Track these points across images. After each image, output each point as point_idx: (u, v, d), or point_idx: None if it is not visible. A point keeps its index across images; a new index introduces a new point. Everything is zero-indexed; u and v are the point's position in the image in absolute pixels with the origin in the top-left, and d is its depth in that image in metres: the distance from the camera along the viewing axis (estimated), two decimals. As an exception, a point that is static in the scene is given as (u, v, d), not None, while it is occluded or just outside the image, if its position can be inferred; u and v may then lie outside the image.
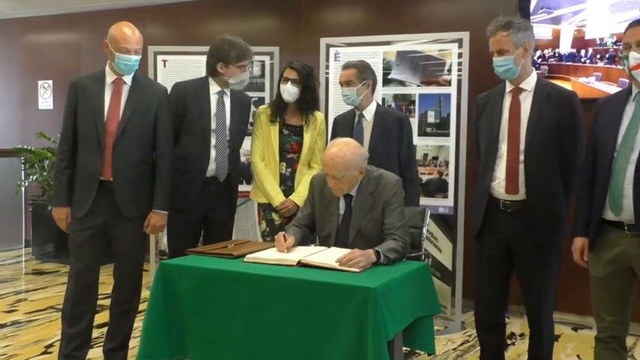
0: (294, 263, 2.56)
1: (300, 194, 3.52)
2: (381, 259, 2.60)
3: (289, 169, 3.62)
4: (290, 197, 3.58)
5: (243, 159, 3.99)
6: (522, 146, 2.74)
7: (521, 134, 2.75)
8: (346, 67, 3.51)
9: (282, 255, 2.67)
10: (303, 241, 2.97)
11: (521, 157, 2.74)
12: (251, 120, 3.75)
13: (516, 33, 2.73)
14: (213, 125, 3.44)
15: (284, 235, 2.82)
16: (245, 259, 2.65)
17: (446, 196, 4.22)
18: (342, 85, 3.50)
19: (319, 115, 3.72)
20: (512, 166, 2.75)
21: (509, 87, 2.83)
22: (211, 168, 3.43)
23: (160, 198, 3.20)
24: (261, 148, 3.64)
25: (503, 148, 2.78)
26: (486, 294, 2.89)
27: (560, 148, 2.74)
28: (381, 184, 2.87)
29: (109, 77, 3.13)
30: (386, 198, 2.84)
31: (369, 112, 3.52)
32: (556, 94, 2.76)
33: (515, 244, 2.79)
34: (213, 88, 3.48)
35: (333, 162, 2.78)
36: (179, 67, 4.74)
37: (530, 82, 2.79)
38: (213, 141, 3.43)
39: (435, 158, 4.24)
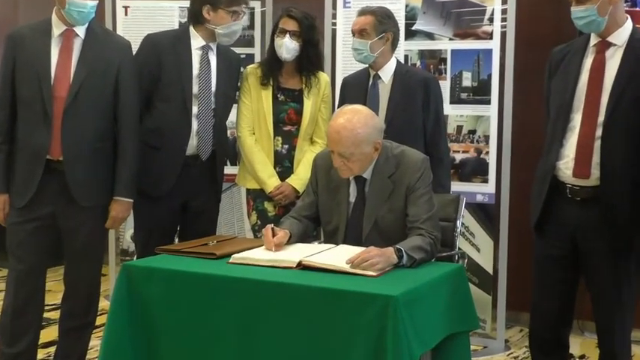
0: (294, 265, 2.57)
1: (300, 177, 3.53)
2: (404, 259, 2.61)
3: (286, 146, 3.62)
4: (287, 180, 3.58)
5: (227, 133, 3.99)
6: (601, 118, 2.66)
7: (601, 102, 2.67)
8: (362, 13, 3.49)
9: (277, 254, 2.68)
10: (304, 236, 2.99)
11: (598, 132, 2.66)
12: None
13: None
14: (195, 89, 3.44)
15: (273, 229, 2.82)
16: (231, 260, 2.67)
17: (485, 181, 4.22)
18: (354, 35, 3.49)
19: (323, 76, 3.71)
20: (585, 143, 2.68)
21: (594, 40, 2.75)
22: (192, 144, 3.44)
23: (124, 182, 3.21)
24: (249, 118, 3.63)
25: (577, 118, 2.72)
26: (545, 305, 2.86)
27: None
28: (402, 165, 2.87)
29: (57, 28, 3.12)
30: (409, 182, 2.84)
31: (387, 73, 3.51)
32: None
33: (583, 242, 2.75)
34: (196, 41, 3.48)
35: (339, 136, 2.77)
36: (145, 15, 4.72)
37: (621, 35, 2.70)
38: (195, 109, 3.44)
39: (472, 132, 4.23)
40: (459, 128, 4.25)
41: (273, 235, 2.79)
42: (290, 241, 2.84)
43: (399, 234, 2.80)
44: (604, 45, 2.72)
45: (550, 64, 2.91)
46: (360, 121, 2.78)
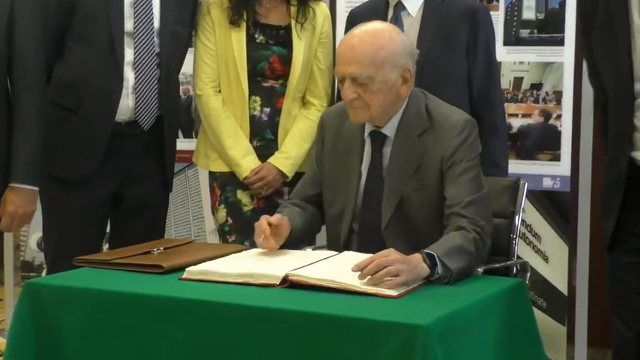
0: (277, 281, 2.56)
1: (289, 154, 3.57)
2: (437, 271, 2.61)
3: (267, 109, 3.64)
4: (270, 160, 3.61)
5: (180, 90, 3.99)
6: None
7: None
8: None
9: (254, 266, 2.68)
10: (310, 230, 3.05)
11: None
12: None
13: None
14: (128, 26, 3.44)
15: (267, 219, 2.84)
16: (185, 275, 2.67)
17: (556, 158, 4.23)
18: None
19: (321, 6, 3.72)
20: None
21: None
22: (127, 105, 3.45)
23: (25, 161, 3.21)
24: (213, 69, 3.65)
25: None
26: (625, 340, 2.88)
27: None
28: (437, 124, 2.91)
29: None
30: (444, 150, 2.87)
31: (415, 1, 3.52)
32: None
33: None
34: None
35: (354, 51, 2.83)
36: None
37: None
38: (129, 55, 3.44)
39: (537, 87, 4.23)
40: (518, 81, 4.25)
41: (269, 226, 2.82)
42: (290, 239, 2.88)
43: (430, 226, 2.84)
44: None
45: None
46: (383, 34, 2.86)
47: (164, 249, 2.94)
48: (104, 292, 2.58)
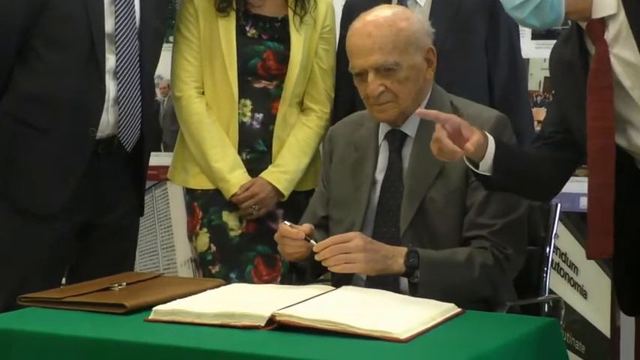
0: (262, 322, 2.56)
1: (285, 169, 3.61)
2: (417, 274, 2.71)
3: (259, 115, 3.69)
4: (262, 175, 3.65)
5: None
6: None
7: None
8: None
9: (235, 304, 2.69)
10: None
11: None
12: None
13: None
14: (108, 26, 3.44)
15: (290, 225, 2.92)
16: (151, 316, 2.67)
17: (596, 174, 4.23)
18: None
19: (324, -4, 3.73)
20: None
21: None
22: (106, 121, 3.47)
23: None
24: (197, 67, 3.69)
25: None
26: None
27: None
28: (466, 117, 2.93)
29: None
30: None
31: (424, -13, 3.57)
32: None
33: None
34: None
35: (371, 38, 2.93)
36: None
37: None
38: (111, 61, 3.46)
39: (571, 89, 4.24)
40: (549, 82, 4.26)
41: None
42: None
43: (450, 231, 2.92)
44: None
45: None
46: (398, 15, 2.99)
47: (127, 284, 2.94)
48: (56, 336, 2.57)
